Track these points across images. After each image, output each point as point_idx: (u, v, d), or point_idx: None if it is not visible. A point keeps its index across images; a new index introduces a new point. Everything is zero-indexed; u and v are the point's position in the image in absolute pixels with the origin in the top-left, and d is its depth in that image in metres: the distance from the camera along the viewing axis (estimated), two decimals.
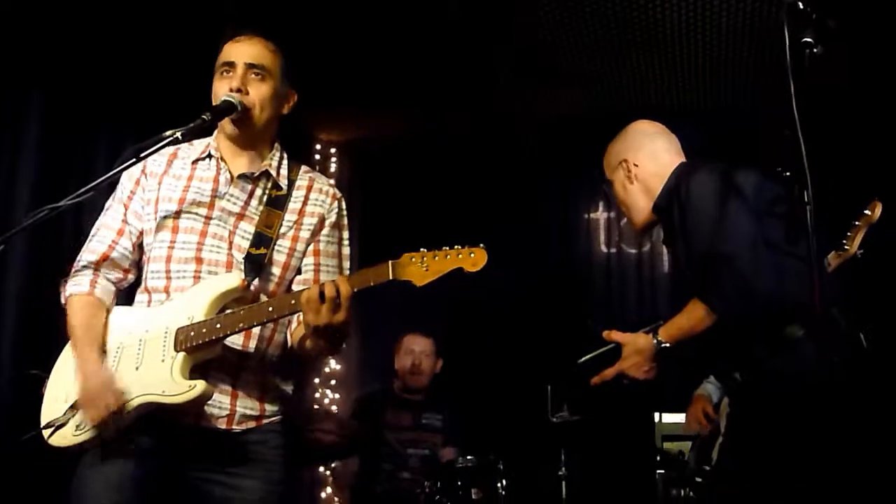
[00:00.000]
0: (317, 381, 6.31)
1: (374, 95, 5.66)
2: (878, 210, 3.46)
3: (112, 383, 2.31)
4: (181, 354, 2.32)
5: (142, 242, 2.53)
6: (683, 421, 4.69)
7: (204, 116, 2.38)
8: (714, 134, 5.83)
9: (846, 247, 3.45)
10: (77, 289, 2.48)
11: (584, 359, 3.42)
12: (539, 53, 5.14)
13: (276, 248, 2.49)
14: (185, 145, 2.54)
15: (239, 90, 2.44)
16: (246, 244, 2.45)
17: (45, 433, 2.35)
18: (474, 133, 6.21)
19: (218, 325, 2.30)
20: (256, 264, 2.44)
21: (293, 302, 2.27)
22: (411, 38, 4.96)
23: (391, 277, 2.23)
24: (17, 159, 4.12)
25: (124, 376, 2.34)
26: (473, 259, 2.24)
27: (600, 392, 3.36)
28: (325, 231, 2.57)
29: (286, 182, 2.56)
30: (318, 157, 6.52)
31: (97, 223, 2.56)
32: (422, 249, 2.25)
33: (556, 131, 6.14)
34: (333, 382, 6.38)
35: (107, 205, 2.58)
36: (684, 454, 5.31)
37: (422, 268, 2.24)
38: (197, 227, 2.45)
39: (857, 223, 3.47)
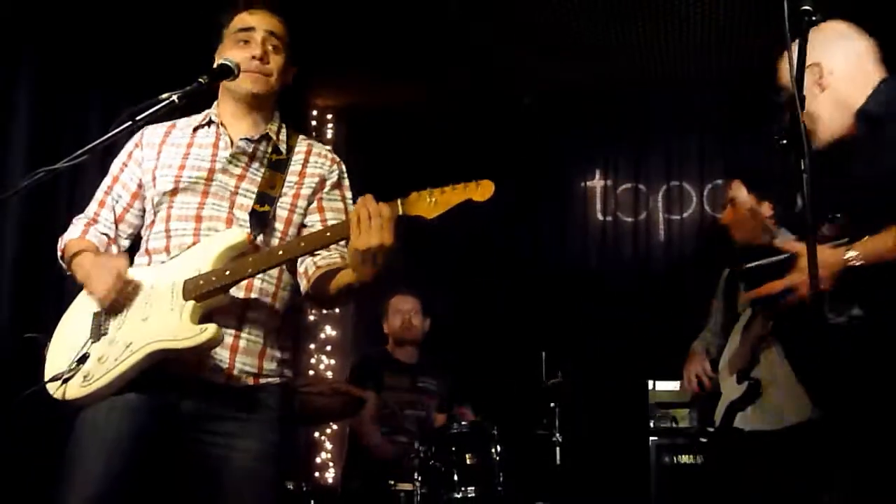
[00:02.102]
0: (312, 346, 6.33)
1: (370, 61, 5.64)
2: None
3: (113, 266, 2.37)
4: (190, 302, 2.34)
5: (133, 212, 2.59)
6: (678, 388, 4.71)
7: (201, 79, 2.38)
8: (726, 102, 5.86)
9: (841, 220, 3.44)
10: (70, 235, 2.55)
11: (750, 265, 3.33)
12: (541, 22, 5.11)
13: (278, 205, 2.52)
14: (183, 119, 2.60)
15: (262, 58, 2.48)
16: (248, 203, 2.49)
17: (52, 387, 2.36)
18: (472, 101, 6.19)
19: (227, 272, 2.33)
20: (261, 221, 2.47)
21: (303, 244, 2.32)
22: (409, 2, 4.93)
23: (400, 213, 2.25)
24: (10, 122, 4.08)
25: (132, 329, 2.36)
26: (481, 190, 2.27)
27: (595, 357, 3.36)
28: (327, 189, 2.61)
29: (286, 147, 2.60)
30: (314, 122, 6.50)
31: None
32: (427, 187, 2.26)
33: (554, 99, 6.12)
34: (329, 348, 6.40)
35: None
36: (677, 421, 5.36)
37: (430, 202, 2.26)
38: (198, 188, 2.48)
39: None
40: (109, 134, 2.28)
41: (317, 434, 6.11)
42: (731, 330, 3.96)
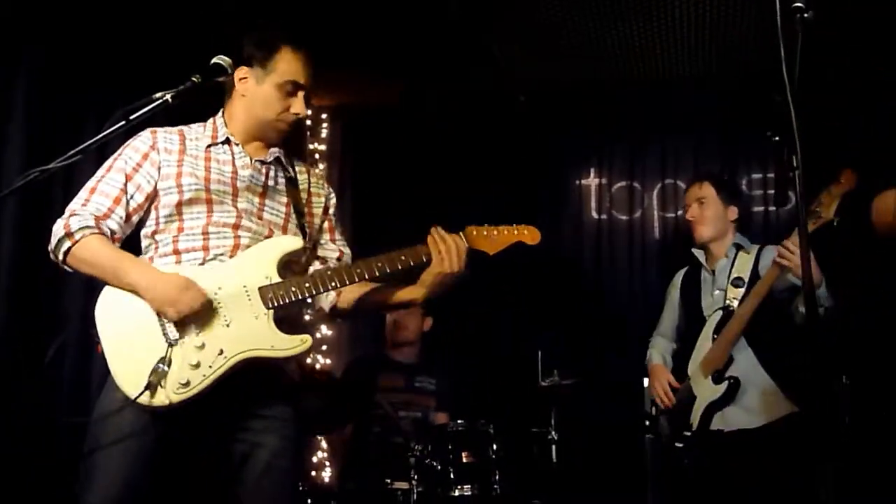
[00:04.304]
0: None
1: (365, 60, 5.63)
2: (851, 179, 3.47)
3: (191, 282, 2.44)
4: (271, 311, 2.49)
5: (140, 213, 2.63)
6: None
7: (194, 78, 2.46)
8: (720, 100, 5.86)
9: (820, 213, 3.46)
10: (88, 228, 2.52)
11: None
12: (536, 20, 5.11)
13: (304, 222, 2.75)
14: (189, 129, 2.73)
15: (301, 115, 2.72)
16: (277, 220, 2.69)
17: (136, 392, 2.37)
18: (468, 100, 6.19)
19: (307, 285, 2.54)
20: (302, 230, 2.73)
21: (379, 264, 2.60)
22: (404, 1, 4.93)
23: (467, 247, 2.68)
24: (7, 123, 4.08)
25: (219, 335, 2.45)
26: (531, 234, 2.83)
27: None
28: (332, 211, 2.89)
29: (293, 170, 2.81)
30: (309, 121, 6.49)
31: (92, 185, 2.62)
32: (484, 225, 2.74)
33: (549, 98, 6.13)
34: (325, 348, 6.40)
35: (103, 169, 2.64)
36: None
37: (490, 239, 2.74)
38: (227, 201, 2.61)
39: (830, 190, 3.48)
40: (104, 133, 2.30)
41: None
42: (689, 333, 3.98)
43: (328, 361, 6.34)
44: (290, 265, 2.63)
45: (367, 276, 2.62)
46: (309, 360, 6.28)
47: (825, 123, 4.85)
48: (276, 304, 2.50)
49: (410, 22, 5.15)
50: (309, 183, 2.84)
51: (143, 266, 2.51)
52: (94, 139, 2.28)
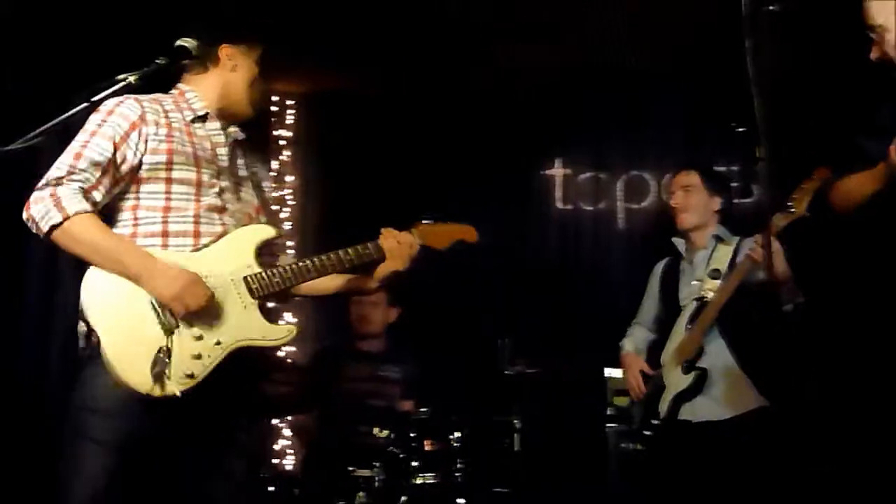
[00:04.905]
0: None
1: (332, 48, 5.60)
2: (825, 175, 3.50)
3: (198, 278, 2.46)
4: (257, 301, 2.56)
5: (122, 185, 2.55)
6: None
7: (158, 61, 2.44)
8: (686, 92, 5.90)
9: (792, 209, 3.50)
10: (82, 205, 2.43)
11: None
12: (502, 8, 5.11)
13: (264, 200, 2.86)
14: (164, 100, 2.67)
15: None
16: (250, 199, 2.77)
17: (143, 385, 2.35)
18: (434, 90, 6.18)
19: (290, 275, 2.64)
20: (271, 215, 2.87)
21: (350, 257, 2.78)
22: None
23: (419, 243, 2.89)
24: None
25: (213, 325, 2.48)
26: (468, 233, 3.06)
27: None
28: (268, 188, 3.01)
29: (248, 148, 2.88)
30: (274, 108, 6.44)
31: (77, 150, 2.49)
32: (424, 221, 2.93)
33: (514, 88, 6.13)
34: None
35: (86, 134, 2.52)
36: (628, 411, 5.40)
37: (438, 235, 2.94)
38: (213, 183, 2.62)
39: (803, 186, 3.52)
40: (66, 115, 2.27)
41: (275, 421, 6.08)
42: (669, 323, 4.01)
43: (293, 349, 6.31)
44: (262, 253, 2.67)
45: (338, 269, 2.77)
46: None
47: (801, 120, 4.89)
48: (261, 294, 2.56)
49: (375, 9, 5.13)
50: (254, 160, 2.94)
51: (143, 255, 2.45)
52: (56, 121, 2.25)
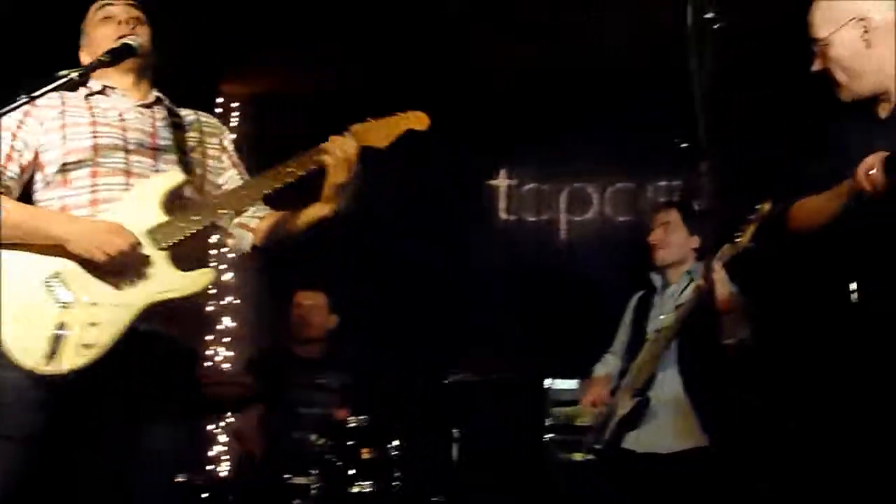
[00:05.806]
0: (210, 337, 6.21)
1: (279, 47, 5.56)
2: (768, 206, 3.56)
3: (119, 226, 2.35)
4: (164, 252, 2.39)
5: (29, 170, 2.53)
6: (576, 387, 4.78)
7: (102, 57, 2.42)
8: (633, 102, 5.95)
9: (738, 239, 3.55)
10: None
11: None
12: (450, 11, 5.11)
13: (193, 158, 2.65)
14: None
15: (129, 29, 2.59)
16: (169, 158, 2.58)
17: (38, 364, 2.26)
18: (383, 93, 6.15)
19: (196, 218, 2.44)
20: (188, 171, 2.58)
21: (270, 181, 2.54)
22: None
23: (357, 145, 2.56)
24: None
25: (112, 287, 2.35)
26: (418, 120, 2.73)
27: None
28: (230, 148, 2.82)
29: (176, 113, 2.72)
30: (220, 109, 6.37)
31: None
32: (367, 119, 2.62)
33: (459, 97, 6.13)
34: (227, 340, 6.30)
35: None
36: (571, 420, 5.42)
37: (378, 132, 2.63)
38: (118, 147, 2.50)
39: (750, 217, 3.56)
40: (4, 110, 2.22)
41: (210, 427, 6.00)
42: (635, 352, 4.05)
43: (231, 353, 6.25)
44: (171, 201, 2.49)
45: (256, 196, 2.58)
46: (210, 352, 6.18)
47: (745, 136, 4.96)
48: (167, 245, 2.40)
49: (325, 9, 5.09)
50: (199, 123, 2.77)
51: (62, 215, 2.42)
52: None
